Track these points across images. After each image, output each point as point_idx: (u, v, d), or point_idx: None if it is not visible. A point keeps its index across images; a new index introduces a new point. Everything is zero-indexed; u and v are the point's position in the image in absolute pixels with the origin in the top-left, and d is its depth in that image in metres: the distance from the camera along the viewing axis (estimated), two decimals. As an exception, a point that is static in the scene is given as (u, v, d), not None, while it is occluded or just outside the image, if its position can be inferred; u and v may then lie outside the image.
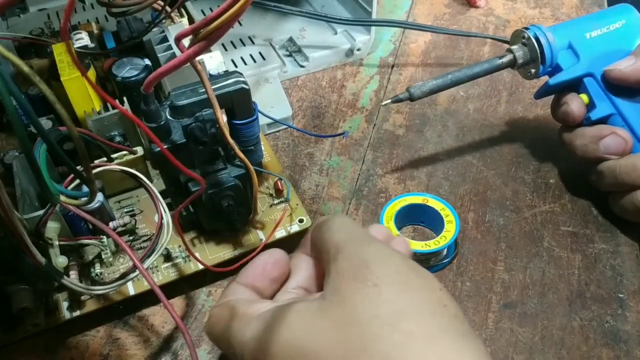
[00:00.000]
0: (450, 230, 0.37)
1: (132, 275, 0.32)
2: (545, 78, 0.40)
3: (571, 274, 0.37)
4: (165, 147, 0.32)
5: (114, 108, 0.36)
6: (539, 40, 0.39)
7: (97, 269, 0.35)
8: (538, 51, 0.39)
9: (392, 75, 0.53)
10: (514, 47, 0.40)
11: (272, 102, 0.48)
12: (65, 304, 0.34)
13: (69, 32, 0.43)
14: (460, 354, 0.22)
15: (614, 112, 0.38)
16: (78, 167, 0.26)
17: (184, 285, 0.37)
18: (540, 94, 0.41)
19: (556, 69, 0.40)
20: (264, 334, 0.26)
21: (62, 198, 0.29)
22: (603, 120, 0.39)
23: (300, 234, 0.38)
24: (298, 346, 0.24)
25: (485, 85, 0.51)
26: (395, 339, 0.22)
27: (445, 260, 0.38)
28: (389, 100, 0.40)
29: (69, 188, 0.33)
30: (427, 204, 0.39)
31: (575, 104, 0.39)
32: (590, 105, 0.39)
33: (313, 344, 0.24)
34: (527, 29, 0.40)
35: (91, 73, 0.39)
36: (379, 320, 0.23)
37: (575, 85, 0.40)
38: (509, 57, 0.40)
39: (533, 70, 0.40)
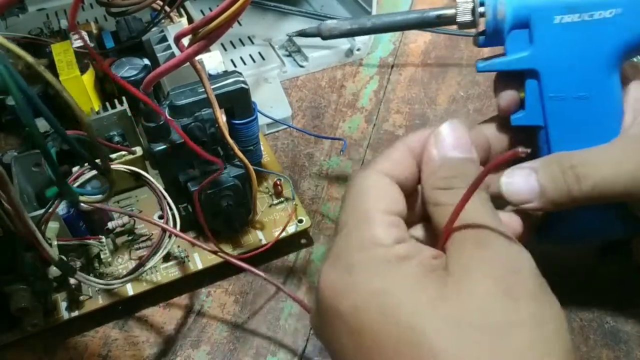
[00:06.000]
0: None
1: (148, 265, 0.32)
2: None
3: (571, 274, 0.37)
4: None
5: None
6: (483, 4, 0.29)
7: (96, 269, 0.35)
8: (477, 15, 0.29)
9: (391, 76, 0.53)
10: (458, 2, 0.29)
11: (271, 102, 0.48)
12: (64, 304, 0.34)
13: (68, 32, 0.43)
14: None
15: (541, 125, 0.30)
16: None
17: (183, 285, 0.37)
18: (481, 69, 0.31)
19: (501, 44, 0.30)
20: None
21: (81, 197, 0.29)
22: (524, 129, 0.30)
23: (300, 234, 0.38)
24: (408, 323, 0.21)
25: (485, 85, 0.51)
26: None
27: None
28: (295, 32, 0.33)
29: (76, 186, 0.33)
30: None
31: (505, 95, 0.31)
32: (522, 105, 0.30)
33: (426, 323, 0.21)
34: None
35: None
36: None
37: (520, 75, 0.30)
38: (444, 12, 0.30)
39: (480, 38, 0.31)
